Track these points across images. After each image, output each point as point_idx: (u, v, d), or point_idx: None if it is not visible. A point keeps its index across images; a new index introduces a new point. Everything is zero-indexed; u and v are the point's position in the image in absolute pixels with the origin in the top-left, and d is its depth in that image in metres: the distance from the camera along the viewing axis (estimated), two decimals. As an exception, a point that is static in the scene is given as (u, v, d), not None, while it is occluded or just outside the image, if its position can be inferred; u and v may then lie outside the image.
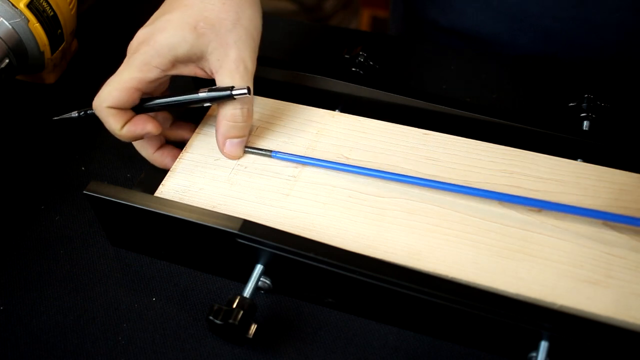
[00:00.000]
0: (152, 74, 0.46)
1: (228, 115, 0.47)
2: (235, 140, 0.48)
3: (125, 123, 0.47)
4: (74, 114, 0.51)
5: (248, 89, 0.45)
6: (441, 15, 0.73)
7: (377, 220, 0.44)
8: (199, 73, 0.48)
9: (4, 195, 0.54)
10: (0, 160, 0.56)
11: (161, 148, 0.50)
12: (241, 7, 0.47)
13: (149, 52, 0.46)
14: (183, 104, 0.48)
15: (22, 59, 0.57)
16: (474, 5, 0.70)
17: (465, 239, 0.43)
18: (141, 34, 0.47)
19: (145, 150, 0.50)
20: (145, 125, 0.47)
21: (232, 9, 0.47)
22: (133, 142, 0.50)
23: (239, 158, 0.49)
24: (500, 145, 0.48)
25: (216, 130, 0.48)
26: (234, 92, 0.45)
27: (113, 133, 0.47)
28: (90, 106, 0.49)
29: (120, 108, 0.46)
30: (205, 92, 0.46)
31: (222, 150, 0.48)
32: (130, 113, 0.47)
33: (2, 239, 0.51)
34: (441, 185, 0.45)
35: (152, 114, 0.49)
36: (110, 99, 0.46)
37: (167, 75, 0.47)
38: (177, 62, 0.46)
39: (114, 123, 0.46)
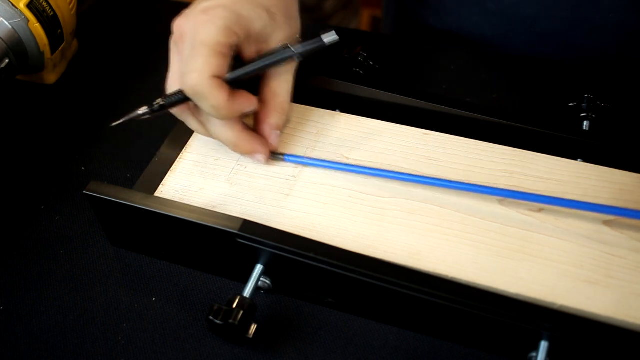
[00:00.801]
0: (234, 40, 0.42)
1: (279, 107, 0.46)
2: (279, 132, 0.47)
3: (229, 96, 0.42)
4: (143, 110, 0.45)
5: (336, 33, 0.44)
6: (434, 18, 0.73)
7: (377, 220, 0.44)
8: (253, 58, 0.46)
9: (4, 195, 0.54)
10: (0, 160, 0.57)
11: (246, 129, 0.46)
12: (297, 7, 0.48)
13: (230, 17, 0.42)
14: (276, 64, 0.45)
15: (22, 59, 0.57)
16: (468, 7, 0.70)
17: (465, 239, 0.43)
18: (206, 5, 0.43)
19: (233, 129, 0.45)
20: (249, 98, 0.43)
21: (294, 4, 0.47)
22: (211, 126, 0.45)
23: (276, 150, 0.48)
24: (500, 145, 0.48)
25: (262, 122, 0.47)
26: (326, 40, 0.44)
27: (217, 110, 0.42)
28: (152, 100, 0.45)
29: (221, 77, 0.42)
30: (298, 47, 0.44)
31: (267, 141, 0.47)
32: (228, 86, 0.42)
33: (2, 239, 0.51)
34: (441, 183, 0.45)
35: None
36: (211, 68, 0.41)
37: (235, 51, 0.44)
38: (248, 37, 0.44)
39: (221, 96, 0.41)
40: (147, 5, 0.72)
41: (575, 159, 0.48)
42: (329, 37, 0.44)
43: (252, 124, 0.48)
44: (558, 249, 0.42)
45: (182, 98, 0.44)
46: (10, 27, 0.55)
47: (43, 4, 0.56)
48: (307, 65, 0.54)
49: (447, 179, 0.46)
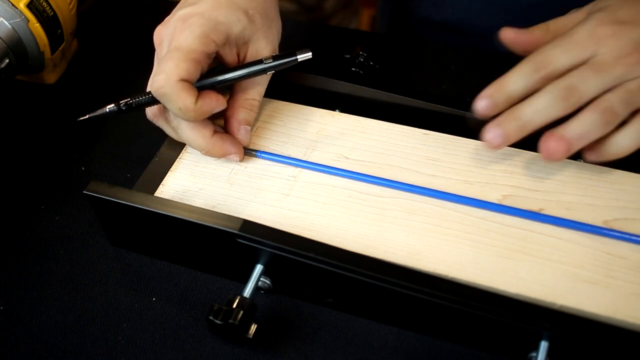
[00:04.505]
0: (210, 48, 0.44)
1: (247, 103, 0.48)
2: (249, 127, 0.48)
3: (197, 99, 0.43)
4: (110, 108, 0.45)
5: (310, 51, 0.45)
6: (433, 9, 0.73)
7: (377, 220, 0.44)
8: (233, 61, 0.47)
9: (4, 195, 0.54)
10: (0, 160, 0.57)
11: (216, 132, 0.47)
12: (276, 7, 0.49)
13: (208, 25, 0.44)
14: (247, 76, 0.46)
15: (22, 59, 0.57)
16: None
17: (465, 239, 0.43)
18: (184, 12, 0.45)
19: (202, 134, 0.46)
20: (217, 98, 0.44)
21: (273, 6, 0.48)
22: (182, 132, 0.46)
23: (248, 145, 0.49)
24: (500, 145, 0.48)
25: (230, 118, 0.48)
26: (299, 57, 0.45)
27: (183, 112, 0.43)
28: (120, 99, 0.45)
29: (189, 82, 0.43)
30: (270, 61, 0.46)
31: (235, 136, 0.48)
32: (196, 89, 0.43)
33: (2, 239, 0.51)
34: (436, 194, 0.45)
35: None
36: (179, 71, 0.42)
37: (212, 58, 0.45)
38: (227, 42, 0.45)
39: (187, 98, 0.42)
40: (147, 5, 0.72)
41: (575, 158, 0.48)
42: (303, 55, 0.45)
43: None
44: (558, 249, 0.42)
45: (149, 99, 0.45)
46: (10, 27, 0.55)
47: (43, 4, 0.56)
48: (308, 65, 0.54)
49: (447, 178, 0.46)
